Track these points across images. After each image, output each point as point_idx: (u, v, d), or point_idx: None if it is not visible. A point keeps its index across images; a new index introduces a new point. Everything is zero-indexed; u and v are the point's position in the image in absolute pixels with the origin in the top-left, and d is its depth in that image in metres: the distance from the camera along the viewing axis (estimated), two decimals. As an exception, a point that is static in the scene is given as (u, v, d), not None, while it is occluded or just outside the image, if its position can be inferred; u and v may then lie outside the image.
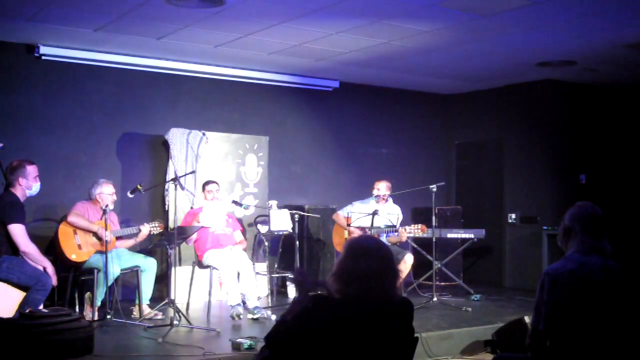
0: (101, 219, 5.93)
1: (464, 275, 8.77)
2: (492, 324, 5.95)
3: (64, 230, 6.00)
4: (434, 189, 7.06)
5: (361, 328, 2.56)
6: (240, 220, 7.37)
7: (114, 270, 5.92)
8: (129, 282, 6.98)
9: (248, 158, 7.99)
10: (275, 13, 5.89)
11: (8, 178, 5.46)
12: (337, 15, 5.92)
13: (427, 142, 9.85)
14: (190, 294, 6.66)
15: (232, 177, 7.87)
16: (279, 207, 7.40)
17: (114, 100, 7.54)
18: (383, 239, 7.12)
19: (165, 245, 5.96)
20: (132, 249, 6.57)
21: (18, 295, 5.20)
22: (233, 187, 7.85)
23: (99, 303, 5.98)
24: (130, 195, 6.20)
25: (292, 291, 7.52)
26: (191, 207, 7.29)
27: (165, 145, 7.56)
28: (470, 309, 6.85)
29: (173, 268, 5.91)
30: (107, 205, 5.93)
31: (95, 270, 5.96)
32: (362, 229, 6.89)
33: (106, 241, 5.83)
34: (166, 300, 5.93)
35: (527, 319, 5.20)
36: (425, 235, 7.00)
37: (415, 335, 2.80)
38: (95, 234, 6.06)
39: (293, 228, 7.07)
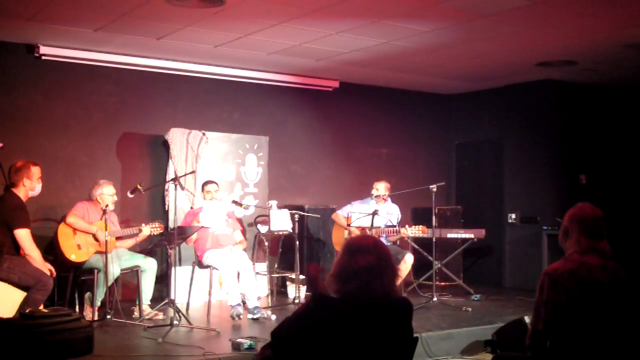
0: (101, 219, 5.93)
1: (464, 275, 8.78)
2: (492, 324, 5.96)
3: (63, 231, 6.01)
4: (434, 189, 7.07)
5: (361, 328, 2.56)
6: (240, 220, 7.37)
7: (114, 271, 5.93)
8: (129, 282, 6.98)
9: (248, 158, 7.99)
10: (275, 13, 5.89)
11: (12, 178, 5.47)
12: (337, 15, 5.92)
13: (427, 142, 9.85)
14: (190, 294, 6.66)
15: (232, 177, 7.87)
16: (279, 207, 7.40)
17: (114, 100, 7.54)
18: (383, 239, 7.13)
19: (165, 245, 5.97)
20: (132, 249, 6.58)
21: (18, 295, 5.21)
22: (233, 187, 7.85)
23: (99, 303, 5.99)
24: (130, 195, 6.20)
25: (292, 291, 7.52)
26: (191, 207, 7.29)
27: (165, 145, 7.56)
28: (470, 309, 6.85)
29: (173, 268, 5.91)
30: (107, 206, 5.93)
31: (95, 271, 5.97)
32: (362, 229, 6.89)
33: (106, 241, 5.82)
34: (166, 300, 5.94)
35: (527, 319, 5.20)
36: (425, 235, 7.00)
37: (415, 335, 2.80)
38: (94, 236, 6.06)
39: (293, 228, 7.07)
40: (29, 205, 5.60)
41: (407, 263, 6.89)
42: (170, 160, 7.48)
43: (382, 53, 7.30)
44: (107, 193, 6.22)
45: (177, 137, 7.46)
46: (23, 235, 5.27)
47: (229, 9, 5.74)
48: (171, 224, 6.79)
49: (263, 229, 7.41)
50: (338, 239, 7.37)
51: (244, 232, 7.26)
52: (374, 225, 6.72)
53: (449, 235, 8.28)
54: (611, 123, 9.19)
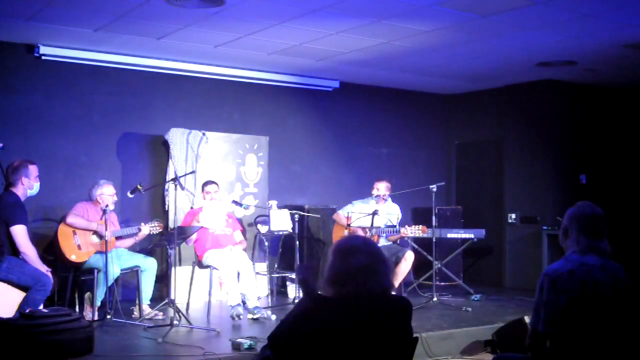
0: (101, 219, 5.93)
1: (464, 275, 8.78)
2: (492, 324, 5.96)
3: (63, 231, 6.01)
4: (434, 189, 7.07)
5: (360, 327, 2.55)
6: (240, 220, 7.37)
7: (114, 271, 5.93)
8: (129, 282, 6.98)
9: (248, 158, 7.99)
10: (275, 13, 5.89)
11: (10, 178, 5.48)
12: (337, 15, 5.92)
13: (427, 142, 9.85)
14: (190, 294, 6.66)
15: (232, 177, 7.87)
16: (279, 207, 7.40)
17: (114, 100, 7.54)
18: (383, 239, 7.14)
19: (165, 245, 5.97)
20: (132, 249, 6.58)
21: (18, 296, 5.21)
22: (233, 187, 7.85)
23: (99, 303, 5.98)
24: (130, 195, 6.20)
25: (292, 291, 7.52)
26: (191, 207, 7.29)
27: (165, 145, 7.56)
28: (470, 309, 6.85)
29: (173, 268, 5.91)
30: (107, 206, 5.94)
31: (95, 271, 5.97)
32: (363, 228, 6.89)
33: (106, 241, 5.83)
34: (166, 300, 5.94)
35: (527, 319, 5.20)
36: (425, 235, 7.00)
37: (415, 335, 2.80)
38: (95, 232, 6.07)
39: (293, 228, 7.07)
40: (28, 204, 5.62)
41: (407, 260, 6.89)
42: (170, 160, 7.48)
43: (382, 53, 7.30)
44: (107, 193, 6.22)
45: (177, 137, 7.46)
46: (19, 232, 5.27)
47: (229, 9, 5.74)
48: (171, 224, 6.79)
49: (263, 229, 7.41)
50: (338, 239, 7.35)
51: (244, 232, 7.26)
52: (374, 225, 6.72)
53: (449, 235, 8.28)
54: (611, 123, 9.19)
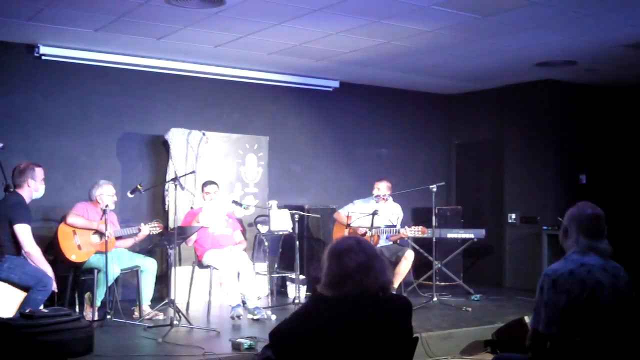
0: (101, 219, 5.93)
1: (464, 275, 8.77)
2: (492, 324, 5.96)
3: (63, 231, 6.01)
4: (434, 189, 7.07)
5: (361, 327, 2.56)
6: (240, 220, 7.36)
7: (114, 271, 5.93)
8: (129, 282, 6.97)
9: (248, 158, 7.99)
10: (275, 13, 5.89)
11: (16, 180, 5.50)
12: (337, 15, 5.92)
13: (427, 142, 9.85)
14: (190, 294, 6.66)
15: (232, 177, 7.86)
16: (279, 207, 7.40)
17: (114, 100, 7.53)
18: (383, 239, 7.14)
19: (165, 245, 5.97)
20: (132, 249, 6.58)
21: (19, 296, 5.21)
22: (233, 187, 7.85)
23: (99, 303, 5.98)
24: (130, 196, 6.20)
25: (292, 291, 7.52)
26: (191, 207, 7.29)
27: (165, 145, 7.56)
28: (470, 309, 6.85)
29: (173, 268, 5.91)
30: (107, 206, 5.93)
31: (95, 271, 5.97)
32: (363, 228, 6.89)
33: (106, 241, 5.83)
34: (166, 300, 5.94)
35: (527, 319, 5.20)
36: (425, 235, 7.00)
37: (415, 335, 2.80)
38: (96, 232, 6.07)
39: (293, 228, 7.07)
40: (29, 204, 5.62)
41: (408, 260, 6.90)
42: (170, 160, 7.47)
43: (382, 53, 7.30)
44: (107, 193, 6.22)
45: (177, 137, 7.46)
46: (23, 231, 5.27)
47: (229, 9, 5.74)
48: (171, 224, 6.79)
49: (263, 229, 7.41)
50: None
51: (244, 232, 7.26)
52: (374, 225, 6.72)
53: (449, 235, 8.28)
54: (611, 123, 9.19)
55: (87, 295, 6.23)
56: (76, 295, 6.34)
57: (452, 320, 6.27)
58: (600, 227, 3.13)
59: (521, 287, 8.52)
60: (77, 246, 6.01)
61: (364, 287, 2.57)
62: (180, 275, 6.28)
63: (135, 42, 6.91)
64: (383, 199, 7.22)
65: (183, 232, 6.07)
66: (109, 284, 5.87)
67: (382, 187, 7.26)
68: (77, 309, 6.25)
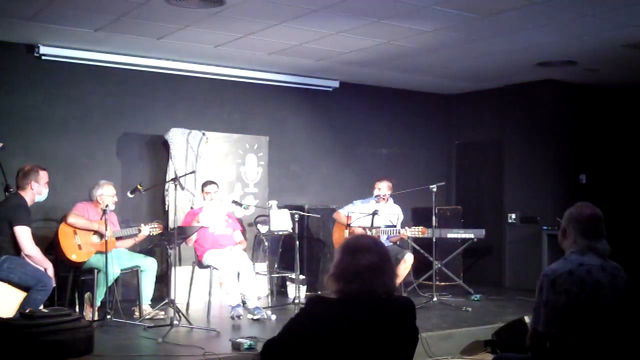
0: (101, 219, 5.93)
1: (464, 275, 8.77)
2: (492, 324, 5.95)
3: (64, 231, 6.01)
4: (434, 189, 7.07)
5: (362, 327, 2.55)
6: (240, 220, 7.37)
7: (114, 271, 5.93)
8: (129, 282, 6.97)
9: (248, 158, 7.99)
10: (275, 13, 5.89)
11: (19, 182, 5.51)
12: (337, 15, 5.92)
13: (427, 142, 9.85)
14: (190, 294, 6.66)
15: (232, 177, 7.86)
16: (279, 207, 7.40)
17: (114, 100, 7.53)
18: (383, 239, 7.14)
19: (165, 245, 5.97)
20: (132, 249, 6.57)
21: (19, 296, 5.21)
22: (233, 187, 7.85)
23: (99, 303, 5.98)
24: (130, 196, 6.20)
25: (292, 291, 7.52)
26: (191, 207, 7.29)
27: (165, 145, 7.56)
28: (470, 309, 6.85)
29: (173, 268, 5.91)
30: (107, 206, 5.94)
31: (95, 271, 5.97)
32: (363, 228, 6.89)
33: (106, 241, 5.83)
34: (166, 300, 5.94)
35: (527, 319, 5.20)
36: (425, 235, 7.00)
37: (415, 335, 2.80)
38: (96, 232, 6.07)
39: (293, 228, 7.06)
40: (30, 207, 5.61)
41: (407, 263, 6.90)
42: (170, 160, 7.47)
43: (382, 53, 7.30)
44: (107, 193, 6.22)
45: (177, 137, 7.46)
46: (23, 233, 5.27)
47: (229, 9, 5.74)
48: (171, 224, 6.79)
49: (263, 229, 7.41)
50: (338, 239, 7.37)
51: (244, 232, 7.26)
52: (374, 225, 6.72)
53: (449, 235, 8.28)
54: (611, 123, 9.19)
55: (87, 295, 6.23)
56: (76, 295, 6.34)
57: (452, 320, 6.28)
58: (598, 227, 3.13)
59: (521, 287, 8.52)
60: (77, 246, 6.01)
61: (371, 287, 2.57)
62: (180, 275, 6.28)
63: (135, 42, 6.91)
64: (384, 199, 7.22)
65: (183, 232, 6.07)
66: (109, 284, 5.87)
67: (383, 187, 7.26)
68: (77, 309, 6.25)
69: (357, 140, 9.23)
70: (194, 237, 6.42)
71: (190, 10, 5.78)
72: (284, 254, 7.87)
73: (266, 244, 7.47)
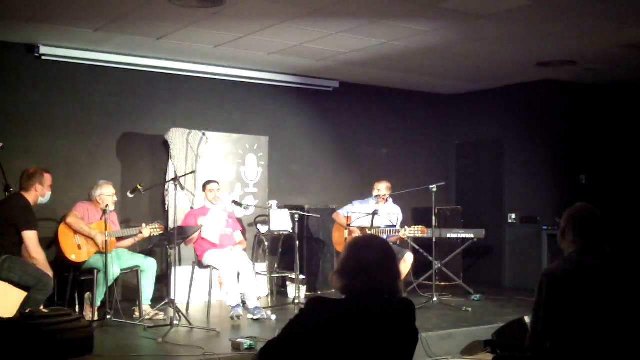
0: (101, 219, 5.93)
1: (464, 275, 8.77)
2: (492, 324, 5.95)
3: (63, 231, 6.01)
4: (434, 189, 7.07)
5: (360, 329, 2.55)
6: (240, 220, 7.37)
7: (114, 271, 5.93)
8: (129, 282, 6.98)
9: (248, 158, 7.99)
10: (275, 13, 5.89)
11: (23, 183, 5.53)
12: (337, 15, 5.92)
13: (427, 142, 9.85)
14: (190, 294, 6.66)
15: (232, 177, 7.86)
16: (279, 207, 7.40)
17: (114, 100, 7.53)
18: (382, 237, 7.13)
19: (165, 245, 5.96)
20: (132, 249, 6.57)
21: (19, 295, 5.21)
22: (233, 187, 7.85)
23: (99, 303, 5.99)
24: (130, 196, 6.20)
25: (292, 291, 7.51)
26: (191, 207, 7.29)
27: (165, 145, 7.56)
28: (470, 309, 6.85)
29: (173, 268, 5.91)
30: (107, 206, 5.94)
31: (95, 271, 5.97)
32: (362, 228, 6.89)
33: (106, 241, 5.83)
34: (166, 300, 5.94)
35: (527, 319, 5.20)
36: (425, 235, 7.00)
37: (415, 335, 2.80)
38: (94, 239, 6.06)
39: (293, 228, 7.07)
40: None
41: (407, 262, 6.89)
42: (170, 160, 7.48)
43: (382, 53, 7.30)
44: (106, 193, 6.22)
45: (177, 137, 7.46)
46: (31, 237, 5.32)
47: (229, 9, 5.74)
48: (171, 224, 6.78)
49: (263, 229, 7.41)
50: (338, 239, 7.37)
51: (244, 232, 7.26)
52: (374, 225, 6.72)
53: (449, 235, 8.28)
54: (611, 123, 9.19)
55: (87, 295, 6.23)
56: (76, 295, 6.33)
57: (452, 320, 6.28)
58: (598, 227, 3.13)
59: (521, 287, 8.52)
60: (77, 246, 6.01)
61: (376, 284, 2.57)
62: (180, 275, 6.28)
63: (135, 42, 6.91)
64: (383, 199, 7.22)
65: (183, 232, 6.06)
66: (109, 284, 5.87)
67: (382, 188, 7.26)
68: (77, 309, 6.25)
69: (357, 140, 9.22)
70: (195, 235, 6.40)
71: (190, 10, 5.78)
72: (284, 254, 7.87)
73: (266, 244, 7.48)
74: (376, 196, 7.23)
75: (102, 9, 5.82)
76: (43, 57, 7.02)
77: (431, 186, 7.08)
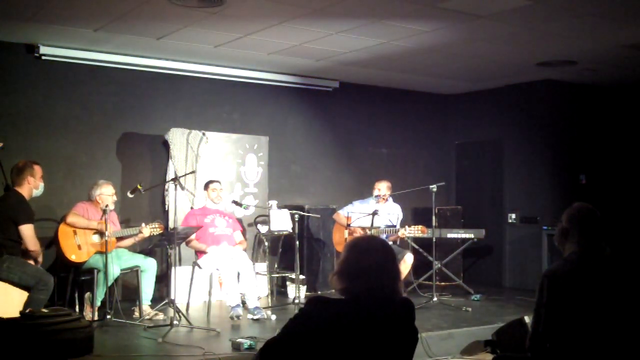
0: (101, 219, 5.93)
1: (464, 275, 8.77)
2: (492, 324, 5.95)
3: (63, 231, 6.01)
4: (434, 189, 7.07)
5: (360, 329, 2.55)
6: (240, 220, 7.37)
7: (114, 271, 5.93)
8: (129, 282, 6.98)
9: (248, 158, 7.99)
10: (275, 13, 5.89)
11: (15, 178, 5.51)
12: (337, 15, 5.92)
13: (427, 142, 9.85)
14: (190, 294, 6.66)
15: (232, 177, 7.86)
16: (279, 207, 7.40)
17: (114, 100, 7.53)
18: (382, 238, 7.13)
19: (165, 245, 5.96)
20: (132, 249, 6.57)
21: (19, 295, 5.21)
22: (233, 187, 7.85)
23: (99, 303, 5.99)
24: (130, 195, 6.20)
25: (292, 291, 7.51)
26: (191, 207, 7.29)
27: (165, 145, 7.56)
28: (470, 309, 6.85)
29: (173, 268, 5.91)
30: (107, 206, 5.94)
31: (95, 271, 5.97)
32: (363, 228, 6.89)
33: (106, 241, 5.83)
34: (166, 300, 5.94)
35: (527, 319, 5.19)
36: (425, 235, 7.00)
37: (415, 335, 2.80)
38: (96, 232, 6.06)
39: (293, 228, 7.07)
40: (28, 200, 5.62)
41: (406, 263, 6.90)
42: (170, 160, 7.48)
43: (382, 53, 7.30)
44: (106, 193, 6.22)
45: (177, 137, 7.46)
46: (27, 232, 5.31)
47: (229, 9, 5.74)
48: (171, 224, 6.78)
49: (263, 229, 7.41)
50: (338, 239, 7.37)
51: (244, 232, 7.26)
52: (374, 225, 6.72)
53: (449, 235, 8.28)
54: (611, 123, 9.19)
55: (87, 295, 6.23)
56: (76, 295, 6.33)
57: (452, 320, 6.28)
58: (598, 227, 3.13)
59: (521, 287, 8.53)
60: (77, 246, 6.01)
61: (376, 287, 2.57)
62: (180, 275, 6.28)
63: (135, 42, 6.91)
64: (383, 199, 7.22)
65: (183, 232, 6.06)
66: (109, 284, 5.87)
67: (383, 188, 7.26)
68: (77, 309, 6.25)
69: (357, 140, 9.22)
70: (193, 237, 6.40)
71: (190, 10, 5.78)
72: (284, 254, 7.87)
73: (266, 244, 7.47)
74: (376, 196, 7.23)
75: (102, 9, 5.82)
76: (43, 57, 7.02)
77: (431, 186, 7.08)
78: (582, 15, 5.93)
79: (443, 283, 8.36)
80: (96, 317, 5.84)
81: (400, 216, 7.32)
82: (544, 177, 8.84)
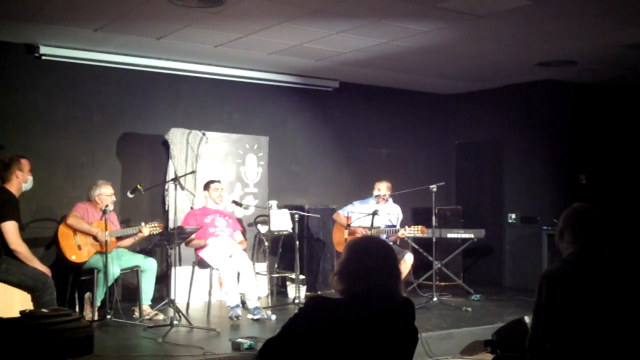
0: (101, 219, 5.93)
1: (464, 275, 8.78)
2: (492, 324, 5.95)
3: (63, 231, 6.01)
4: (434, 189, 7.07)
5: (360, 328, 2.55)
6: (240, 220, 7.37)
7: (114, 271, 5.93)
8: (129, 282, 6.98)
9: (248, 158, 7.99)
10: (275, 13, 5.89)
11: (2, 174, 5.33)
12: (337, 15, 5.92)
13: (427, 142, 9.85)
14: (190, 294, 6.66)
15: (232, 177, 7.87)
16: (279, 207, 7.40)
17: (114, 100, 7.53)
18: (383, 239, 7.13)
19: (165, 245, 5.96)
20: (132, 249, 6.57)
21: (20, 296, 5.20)
22: (233, 187, 7.85)
23: (99, 303, 5.99)
24: (130, 196, 6.20)
25: (292, 291, 7.52)
26: (191, 207, 7.29)
27: (165, 145, 7.56)
28: (470, 309, 6.85)
29: (173, 268, 5.91)
30: (106, 206, 5.93)
31: (95, 271, 5.97)
32: (363, 228, 6.89)
33: (106, 241, 5.82)
34: (166, 300, 5.94)
35: (527, 319, 5.20)
36: (425, 235, 7.00)
37: (415, 335, 2.80)
38: (95, 236, 6.05)
39: (293, 228, 7.07)
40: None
41: (407, 263, 6.89)
42: (170, 160, 7.48)
43: (382, 53, 7.30)
44: (105, 193, 6.22)
45: (177, 137, 7.46)
46: (8, 228, 5.12)
47: (229, 9, 5.74)
48: (171, 224, 6.78)
49: (263, 229, 7.41)
50: (338, 239, 7.37)
51: (244, 232, 7.26)
52: (374, 225, 6.72)
53: (449, 235, 8.28)
54: (611, 123, 9.19)
55: (87, 295, 6.23)
56: (76, 295, 6.33)
57: (452, 320, 6.28)
58: (596, 227, 3.13)
59: (521, 287, 8.53)
60: (77, 246, 6.01)
61: (376, 290, 2.57)
62: (180, 275, 6.28)
63: (135, 42, 6.91)
64: (383, 199, 7.22)
65: (183, 232, 6.06)
66: (109, 284, 5.87)
67: (383, 188, 7.26)
68: (77, 309, 6.25)
69: (357, 140, 9.22)
70: (193, 236, 6.39)
71: (190, 10, 5.78)
72: (284, 254, 7.87)
73: (266, 244, 7.47)
74: (376, 196, 7.23)
75: (102, 9, 5.82)
76: (43, 57, 7.02)
77: (431, 186, 7.08)
78: (582, 15, 5.94)
79: (443, 283, 8.37)
80: (96, 317, 5.84)
81: (400, 216, 7.32)
82: (544, 177, 8.84)
